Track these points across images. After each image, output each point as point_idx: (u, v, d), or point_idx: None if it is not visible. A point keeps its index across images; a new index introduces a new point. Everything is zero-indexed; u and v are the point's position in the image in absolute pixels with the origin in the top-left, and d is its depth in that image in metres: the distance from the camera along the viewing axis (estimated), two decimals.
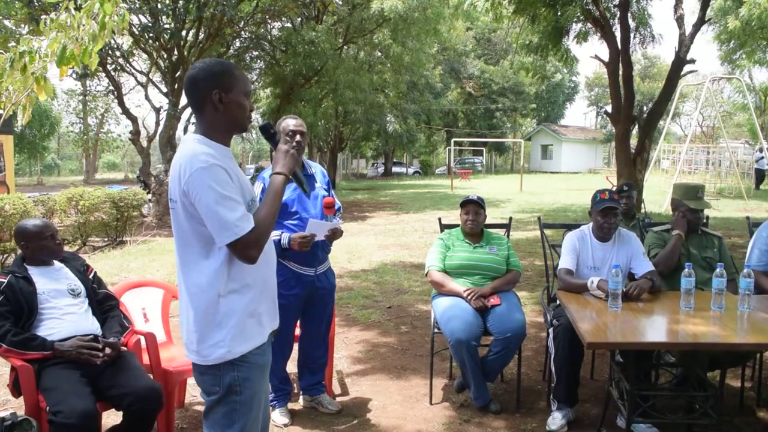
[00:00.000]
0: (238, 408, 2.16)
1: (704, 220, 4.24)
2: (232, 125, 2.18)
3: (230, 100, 2.12)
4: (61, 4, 3.33)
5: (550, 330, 3.79)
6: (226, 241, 2.02)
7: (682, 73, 11.91)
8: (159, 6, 14.83)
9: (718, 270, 3.23)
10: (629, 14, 11.43)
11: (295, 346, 3.97)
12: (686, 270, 3.26)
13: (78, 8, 3.33)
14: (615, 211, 3.84)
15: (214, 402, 2.18)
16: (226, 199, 2.01)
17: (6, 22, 14.61)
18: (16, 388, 3.06)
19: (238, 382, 2.14)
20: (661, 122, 18.43)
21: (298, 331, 3.92)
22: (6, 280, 3.10)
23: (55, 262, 3.33)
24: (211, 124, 2.15)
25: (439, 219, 4.70)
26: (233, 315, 2.12)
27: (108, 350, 3.09)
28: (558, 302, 3.81)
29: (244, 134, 2.32)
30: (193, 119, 17.40)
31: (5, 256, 8.18)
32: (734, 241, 10.13)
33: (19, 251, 3.32)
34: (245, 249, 2.04)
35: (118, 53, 16.48)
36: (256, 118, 24.76)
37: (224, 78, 2.12)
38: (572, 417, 3.66)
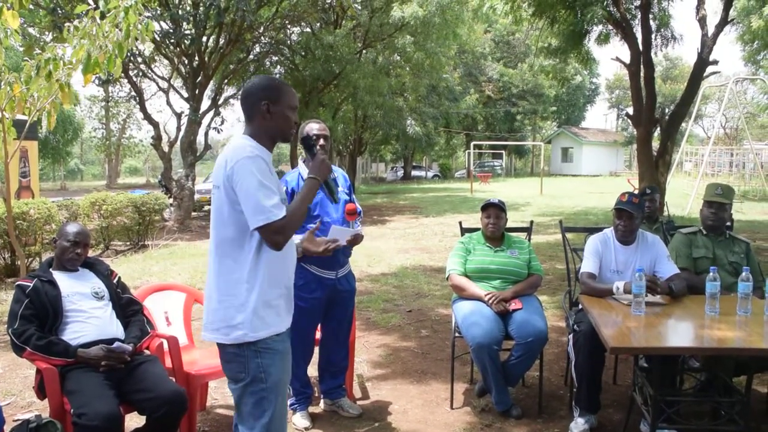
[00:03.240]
0: (265, 395, 2.31)
1: (728, 223, 4.18)
2: (275, 133, 2.41)
3: (276, 111, 2.37)
4: (86, 13, 3.38)
5: (571, 336, 3.75)
6: (258, 224, 2.20)
7: (705, 74, 11.78)
8: (180, 12, 14.98)
9: (744, 274, 3.18)
10: (650, 15, 11.33)
11: (316, 350, 3.98)
12: (711, 274, 3.21)
13: (102, 17, 3.38)
14: (628, 214, 3.79)
15: (241, 391, 2.32)
16: (264, 186, 2.22)
17: (30, 29, 14.85)
18: (41, 391, 3.10)
19: (262, 369, 2.30)
20: (684, 124, 18.21)
21: (318, 335, 3.93)
22: (32, 284, 3.15)
23: (80, 266, 3.38)
24: (258, 130, 2.38)
25: (460, 222, 4.68)
26: (254, 302, 2.29)
27: (126, 357, 3.13)
28: (580, 306, 3.78)
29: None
30: (213, 124, 17.66)
31: (30, 260, 8.30)
32: (759, 244, 9.99)
33: (45, 256, 3.38)
34: (274, 234, 2.22)
35: (139, 59, 16.68)
36: None
37: (273, 91, 2.37)
38: (595, 423, 3.61)
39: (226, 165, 2.26)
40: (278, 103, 2.36)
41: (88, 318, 3.19)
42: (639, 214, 3.83)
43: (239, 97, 2.55)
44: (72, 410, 2.83)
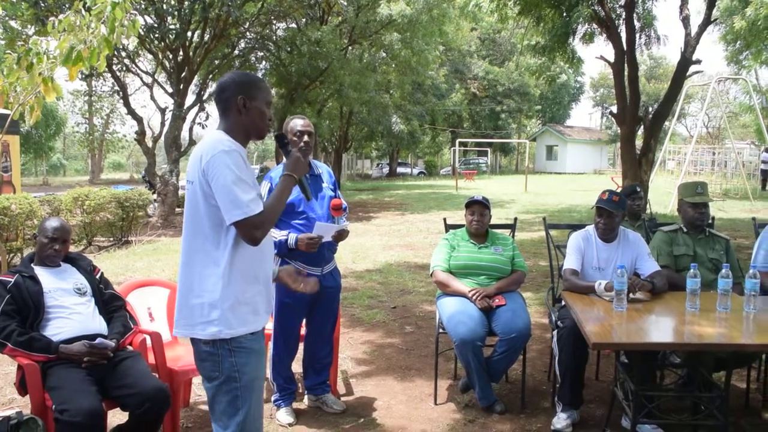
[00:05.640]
0: (239, 394, 2.28)
1: (710, 221, 4.23)
2: (251, 129, 2.37)
3: (253, 107, 2.34)
4: (69, 5, 3.35)
5: (555, 332, 3.78)
6: (235, 219, 2.17)
7: (688, 73, 11.91)
8: (164, 7, 14.86)
9: (723, 271, 3.22)
10: (635, 15, 11.43)
11: (300, 346, 3.98)
12: (692, 271, 3.25)
13: (87, 10, 3.35)
14: (608, 212, 3.82)
15: (215, 389, 2.29)
16: (241, 181, 2.19)
17: (12, 23, 14.65)
18: (22, 387, 3.07)
19: (236, 368, 2.27)
20: (667, 123, 18.35)
21: (303, 331, 3.93)
22: (13, 280, 3.12)
23: (62, 262, 3.35)
24: (233, 126, 2.34)
25: (444, 219, 4.69)
26: (229, 299, 2.25)
27: (109, 353, 3.11)
28: (563, 303, 3.81)
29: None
30: (198, 120, 17.50)
31: (12, 255, 8.21)
32: (740, 242, 10.10)
33: (26, 252, 3.35)
34: (251, 229, 2.19)
35: (123, 54, 16.51)
36: None
37: (249, 86, 2.34)
38: (577, 418, 3.65)
39: (201, 160, 2.22)
40: (255, 98, 2.33)
41: (70, 314, 3.17)
42: (619, 212, 3.85)
43: (214, 91, 2.47)
44: (54, 406, 2.82)
